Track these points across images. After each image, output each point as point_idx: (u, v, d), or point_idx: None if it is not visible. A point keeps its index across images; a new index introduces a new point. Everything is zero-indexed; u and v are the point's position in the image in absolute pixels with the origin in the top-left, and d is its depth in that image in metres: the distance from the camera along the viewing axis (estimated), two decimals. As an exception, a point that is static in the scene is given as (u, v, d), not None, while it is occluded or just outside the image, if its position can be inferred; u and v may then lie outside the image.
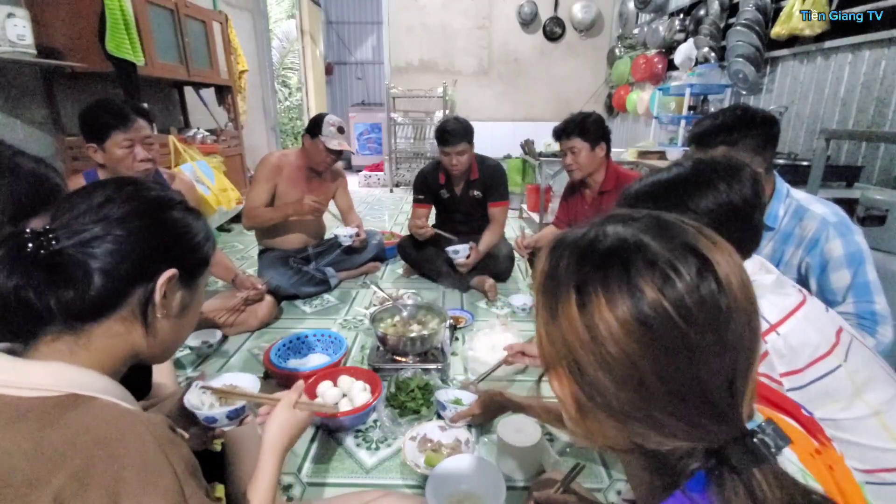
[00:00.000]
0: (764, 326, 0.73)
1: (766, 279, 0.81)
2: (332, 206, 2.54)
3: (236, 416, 0.83)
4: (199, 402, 0.81)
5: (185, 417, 0.84)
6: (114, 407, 0.53)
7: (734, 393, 0.39)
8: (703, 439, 0.39)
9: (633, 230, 0.42)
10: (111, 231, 0.58)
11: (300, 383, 0.90)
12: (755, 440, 0.38)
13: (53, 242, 0.55)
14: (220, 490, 0.84)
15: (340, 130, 2.25)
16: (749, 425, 0.40)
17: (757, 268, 0.84)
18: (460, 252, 2.37)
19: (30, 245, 0.53)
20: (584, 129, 2.06)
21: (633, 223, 0.43)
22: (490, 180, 2.56)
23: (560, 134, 2.14)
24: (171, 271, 0.61)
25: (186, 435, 0.61)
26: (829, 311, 0.84)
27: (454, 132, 2.35)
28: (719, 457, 0.38)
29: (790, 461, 0.41)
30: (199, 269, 0.68)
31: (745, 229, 0.80)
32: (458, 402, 1.40)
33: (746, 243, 0.83)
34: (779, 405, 0.51)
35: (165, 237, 0.62)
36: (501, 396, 1.27)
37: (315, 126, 2.24)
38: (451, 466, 1.11)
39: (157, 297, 0.61)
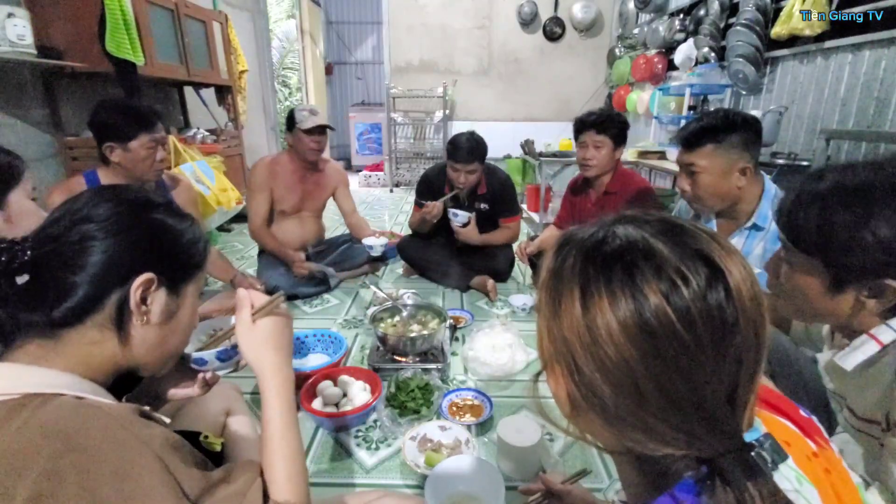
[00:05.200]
0: None
1: None
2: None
3: (228, 359, 0.78)
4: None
5: (181, 372, 0.78)
6: (75, 401, 0.51)
7: (734, 405, 0.38)
8: (698, 449, 0.38)
9: (643, 233, 0.41)
10: (86, 233, 0.55)
11: (240, 293, 0.69)
12: (752, 454, 0.37)
13: (23, 253, 0.54)
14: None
15: (312, 112, 2.25)
16: (748, 435, 0.39)
17: None
18: (459, 216, 2.36)
19: (1, 258, 0.52)
20: (616, 127, 2.00)
21: (644, 225, 0.42)
22: (499, 196, 2.48)
23: (587, 126, 2.01)
24: (147, 275, 0.57)
25: (167, 420, 0.58)
26: None
27: (467, 150, 2.24)
28: (712, 467, 0.38)
29: (785, 464, 0.41)
30: (186, 274, 0.63)
31: None
32: None
33: None
34: (775, 405, 0.50)
35: (144, 238, 0.59)
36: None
37: (289, 121, 2.27)
38: (451, 467, 1.11)
39: (133, 301, 0.57)
